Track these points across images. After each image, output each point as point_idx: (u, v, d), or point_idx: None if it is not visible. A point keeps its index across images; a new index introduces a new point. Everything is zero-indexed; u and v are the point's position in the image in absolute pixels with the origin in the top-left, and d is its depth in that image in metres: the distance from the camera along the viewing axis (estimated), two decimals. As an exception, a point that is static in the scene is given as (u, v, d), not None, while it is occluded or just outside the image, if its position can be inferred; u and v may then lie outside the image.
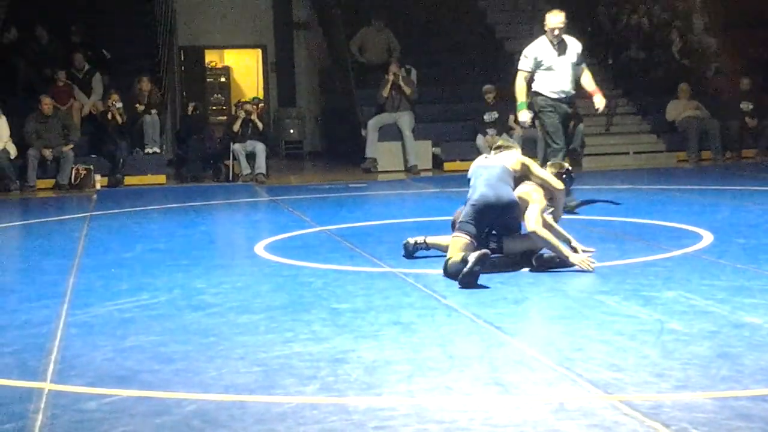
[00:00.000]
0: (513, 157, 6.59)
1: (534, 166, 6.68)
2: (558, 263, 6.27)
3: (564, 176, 6.80)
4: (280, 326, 5.00)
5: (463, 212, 6.39)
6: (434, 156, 15.39)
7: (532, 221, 6.27)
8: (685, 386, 3.83)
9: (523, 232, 6.48)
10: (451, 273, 5.99)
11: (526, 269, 6.29)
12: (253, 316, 5.26)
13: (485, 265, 5.77)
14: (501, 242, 6.44)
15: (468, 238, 6.19)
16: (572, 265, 6.25)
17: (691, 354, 4.26)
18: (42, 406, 3.79)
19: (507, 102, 15.23)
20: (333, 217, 9.74)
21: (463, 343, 4.63)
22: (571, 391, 3.82)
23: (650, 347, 4.39)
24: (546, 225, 6.37)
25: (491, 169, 6.49)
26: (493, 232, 6.48)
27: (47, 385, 4.07)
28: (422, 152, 15.16)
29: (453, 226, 6.54)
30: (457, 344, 4.59)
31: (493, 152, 6.79)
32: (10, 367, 4.38)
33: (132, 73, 15.66)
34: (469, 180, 6.58)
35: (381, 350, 4.49)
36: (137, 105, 14.61)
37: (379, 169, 15.01)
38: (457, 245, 6.16)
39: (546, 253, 6.33)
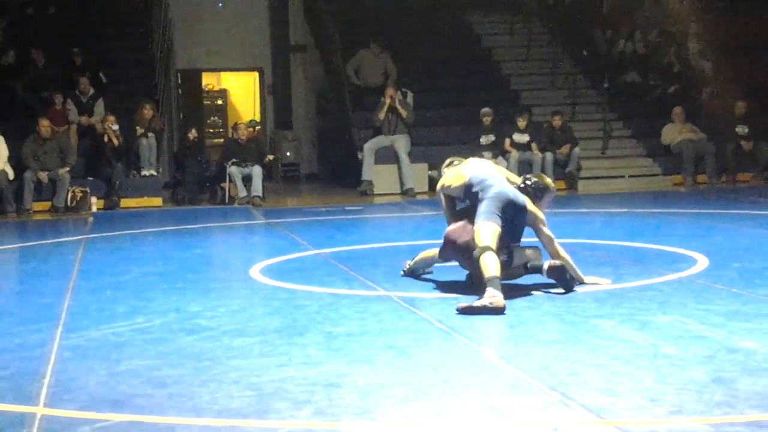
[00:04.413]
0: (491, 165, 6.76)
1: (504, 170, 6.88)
2: (569, 280, 6.29)
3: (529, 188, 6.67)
4: (275, 350, 4.99)
5: (483, 206, 6.22)
6: (430, 179, 15.38)
7: (555, 243, 6.43)
8: (680, 411, 3.82)
9: (523, 244, 6.51)
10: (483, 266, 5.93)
11: (522, 293, 6.29)
12: (248, 339, 5.25)
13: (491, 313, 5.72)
14: (512, 255, 6.35)
15: (500, 227, 6.15)
16: (582, 281, 6.41)
17: (685, 379, 4.25)
18: (35, 430, 3.77)
19: (503, 125, 15.36)
20: (329, 240, 9.74)
21: (457, 367, 4.62)
22: (565, 416, 3.81)
23: (645, 372, 4.38)
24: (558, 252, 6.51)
25: (496, 173, 6.53)
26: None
27: (40, 410, 4.05)
28: (418, 175, 15.19)
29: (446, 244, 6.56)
30: (451, 368, 4.58)
31: (444, 169, 6.79)
32: (3, 390, 4.36)
33: (129, 96, 15.69)
34: (469, 186, 6.43)
35: (375, 374, 4.48)
36: (137, 128, 14.63)
37: (375, 192, 15.03)
38: (496, 235, 6.09)
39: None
